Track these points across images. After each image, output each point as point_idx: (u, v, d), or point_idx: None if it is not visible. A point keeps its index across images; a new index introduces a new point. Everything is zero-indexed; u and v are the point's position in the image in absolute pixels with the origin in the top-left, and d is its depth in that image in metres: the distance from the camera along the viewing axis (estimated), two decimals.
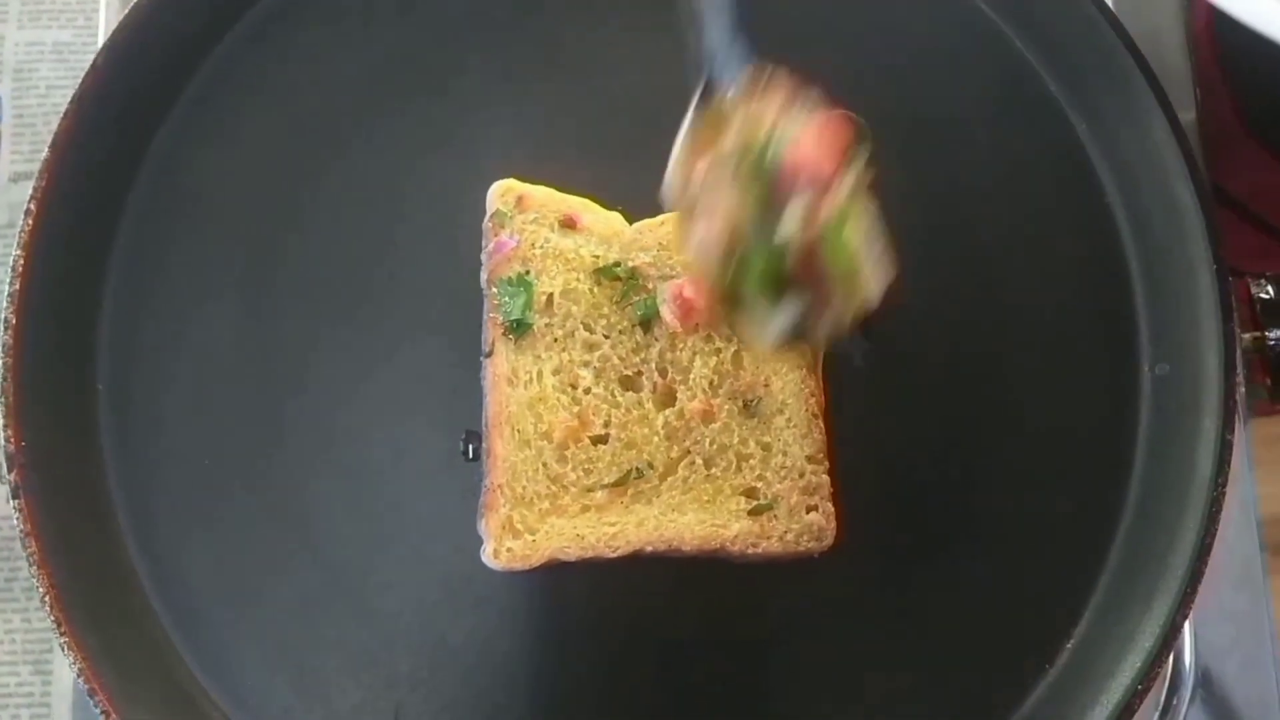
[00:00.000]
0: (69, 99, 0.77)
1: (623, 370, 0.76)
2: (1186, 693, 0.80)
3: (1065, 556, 0.77)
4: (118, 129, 0.80)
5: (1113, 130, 0.81)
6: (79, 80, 0.78)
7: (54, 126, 0.77)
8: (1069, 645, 0.76)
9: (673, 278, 0.77)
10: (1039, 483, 0.78)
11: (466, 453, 0.77)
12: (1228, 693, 0.83)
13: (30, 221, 0.76)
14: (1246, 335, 0.81)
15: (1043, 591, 0.76)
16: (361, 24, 0.83)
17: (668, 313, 0.76)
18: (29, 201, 0.76)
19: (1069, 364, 0.79)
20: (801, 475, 0.75)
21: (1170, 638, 0.73)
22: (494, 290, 0.77)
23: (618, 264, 0.77)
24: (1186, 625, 0.75)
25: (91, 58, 0.79)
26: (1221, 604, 0.83)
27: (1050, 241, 0.81)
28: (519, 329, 0.76)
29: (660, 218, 0.78)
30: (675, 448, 0.76)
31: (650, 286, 0.77)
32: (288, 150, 0.81)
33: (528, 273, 0.77)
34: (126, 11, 0.79)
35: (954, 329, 0.80)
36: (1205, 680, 0.82)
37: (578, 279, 0.77)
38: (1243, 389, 0.78)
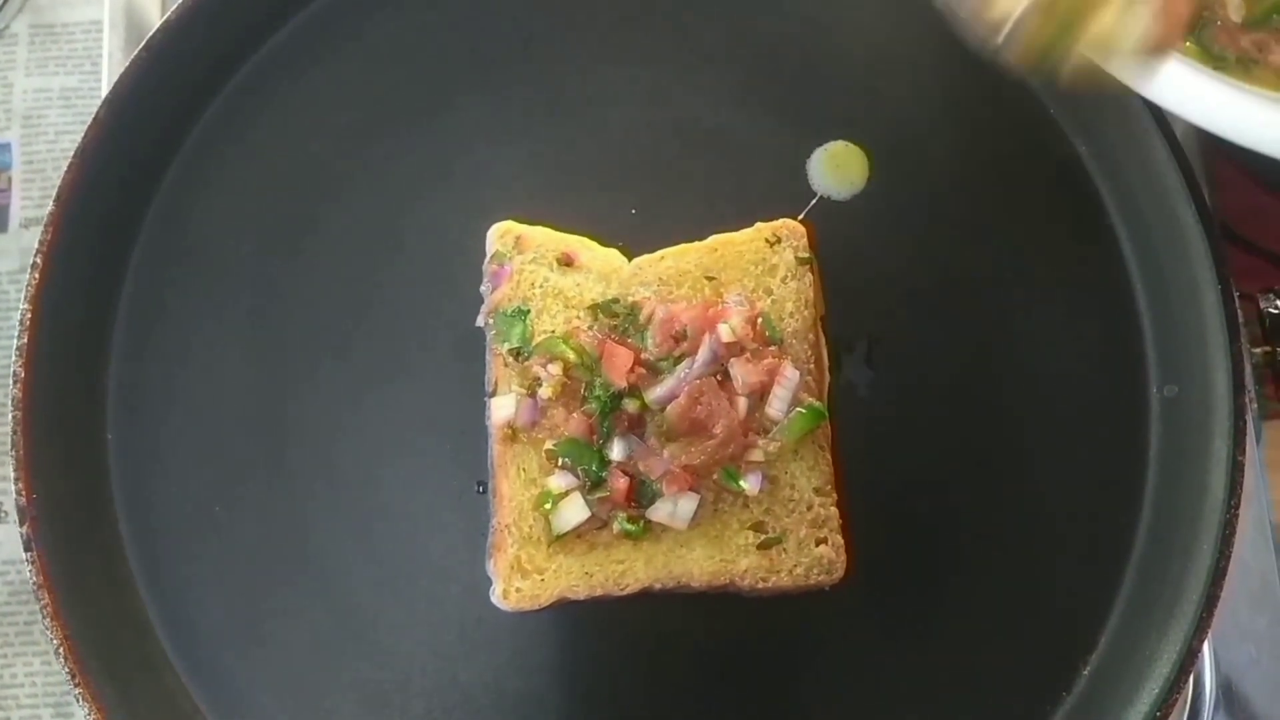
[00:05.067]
0: (74, 150, 0.78)
1: None
2: (1207, 715, 0.79)
3: (1079, 583, 0.76)
4: (121, 180, 0.80)
5: (1114, 154, 0.80)
6: (86, 126, 0.78)
7: (63, 171, 0.78)
8: (1086, 672, 0.75)
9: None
10: (1050, 509, 0.77)
11: (478, 487, 0.78)
12: (1251, 711, 0.82)
13: (37, 275, 0.77)
14: (1257, 350, 0.81)
15: (1057, 618, 0.76)
16: (359, 70, 0.84)
17: None
18: (35, 255, 0.77)
19: (1076, 388, 0.79)
20: (810, 508, 0.75)
21: (1188, 662, 0.72)
22: (492, 321, 0.77)
23: (616, 300, 0.77)
24: (1205, 646, 0.74)
25: (98, 103, 0.79)
26: (1240, 623, 0.82)
27: (1054, 267, 0.80)
28: (520, 357, 0.76)
29: (659, 253, 0.78)
30: None
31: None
32: (289, 196, 0.82)
33: (526, 305, 0.77)
34: (127, 64, 0.79)
35: (959, 357, 0.79)
36: (1227, 699, 0.81)
37: (578, 316, 0.77)
38: (1255, 405, 0.77)
